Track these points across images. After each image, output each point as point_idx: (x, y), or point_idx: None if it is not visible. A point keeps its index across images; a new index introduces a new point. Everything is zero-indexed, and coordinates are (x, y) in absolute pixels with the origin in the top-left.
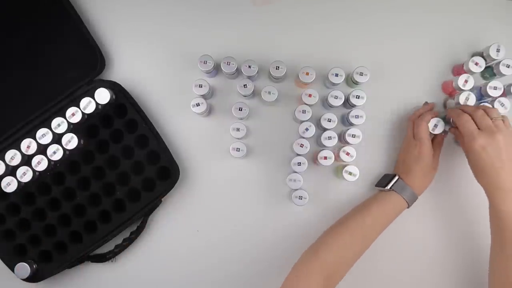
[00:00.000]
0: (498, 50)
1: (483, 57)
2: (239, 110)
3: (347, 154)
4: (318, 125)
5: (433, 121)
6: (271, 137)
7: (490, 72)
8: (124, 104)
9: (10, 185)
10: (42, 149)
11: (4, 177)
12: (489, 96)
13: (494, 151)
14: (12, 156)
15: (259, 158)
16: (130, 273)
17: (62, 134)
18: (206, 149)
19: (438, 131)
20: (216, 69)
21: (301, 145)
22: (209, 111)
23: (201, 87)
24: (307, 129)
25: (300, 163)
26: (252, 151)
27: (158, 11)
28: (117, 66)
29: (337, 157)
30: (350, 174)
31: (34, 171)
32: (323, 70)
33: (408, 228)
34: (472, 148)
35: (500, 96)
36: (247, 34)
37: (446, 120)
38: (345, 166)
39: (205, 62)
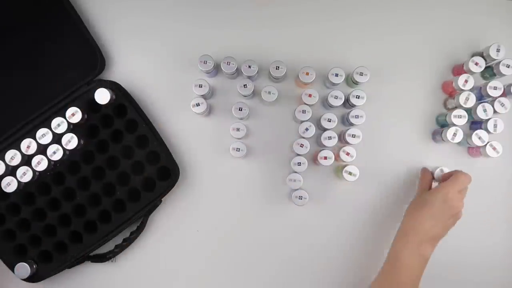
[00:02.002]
0: (498, 50)
1: (483, 57)
2: (239, 110)
3: (347, 154)
4: (318, 125)
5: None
6: (271, 137)
7: (490, 72)
8: (124, 104)
9: (10, 185)
10: (42, 149)
11: (4, 177)
12: (489, 96)
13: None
14: (12, 156)
15: (259, 158)
16: (130, 273)
17: (62, 134)
18: (206, 149)
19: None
20: (216, 69)
21: (301, 145)
22: (209, 111)
23: (201, 87)
24: (307, 129)
25: (300, 163)
26: (252, 151)
27: (158, 11)
28: (117, 66)
29: (337, 157)
30: (350, 174)
31: (34, 171)
32: (323, 70)
33: None
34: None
35: (500, 96)
36: (247, 34)
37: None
38: (345, 166)
39: (205, 62)
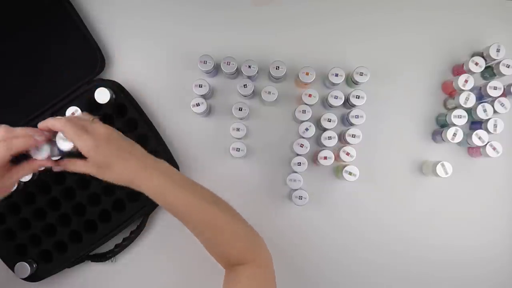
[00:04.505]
0: (498, 50)
1: (483, 57)
2: (239, 110)
3: (347, 154)
4: (318, 125)
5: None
6: (271, 137)
7: (490, 72)
8: (124, 104)
9: None
10: None
11: None
12: (489, 96)
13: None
14: None
15: (259, 158)
16: (130, 272)
17: None
18: (206, 149)
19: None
20: (216, 69)
21: (301, 145)
22: (209, 111)
23: (201, 87)
24: (307, 129)
25: (300, 163)
26: (252, 151)
27: (158, 11)
28: (117, 66)
29: (337, 157)
30: (350, 174)
31: None
32: (323, 70)
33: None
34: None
35: (500, 96)
36: (247, 34)
37: None
38: (345, 166)
39: (205, 62)
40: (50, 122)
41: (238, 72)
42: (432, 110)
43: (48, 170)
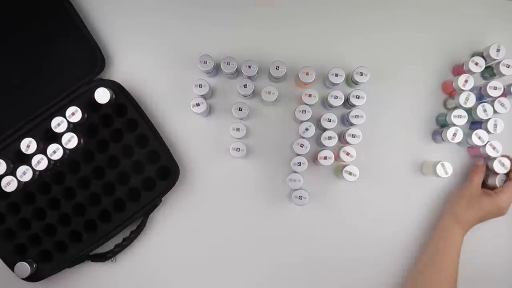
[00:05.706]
0: (498, 50)
1: (483, 57)
2: (239, 110)
3: (347, 154)
4: (318, 125)
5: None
6: (271, 137)
7: (490, 72)
8: (124, 104)
9: (10, 184)
10: (42, 149)
11: (4, 176)
12: (489, 96)
13: None
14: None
15: (259, 158)
16: (130, 272)
17: (62, 134)
18: (206, 149)
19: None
20: (216, 69)
21: (301, 145)
22: (209, 111)
23: (201, 87)
24: (307, 129)
25: (300, 163)
26: (252, 151)
27: (159, 11)
28: (117, 66)
29: (337, 157)
30: (350, 174)
31: (34, 170)
32: (323, 70)
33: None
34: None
35: (500, 96)
36: (248, 34)
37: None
38: (345, 166)
39: (205, 62)
40: None
41: (238, 72)
42: (432, 110)
43: (48, 170)
